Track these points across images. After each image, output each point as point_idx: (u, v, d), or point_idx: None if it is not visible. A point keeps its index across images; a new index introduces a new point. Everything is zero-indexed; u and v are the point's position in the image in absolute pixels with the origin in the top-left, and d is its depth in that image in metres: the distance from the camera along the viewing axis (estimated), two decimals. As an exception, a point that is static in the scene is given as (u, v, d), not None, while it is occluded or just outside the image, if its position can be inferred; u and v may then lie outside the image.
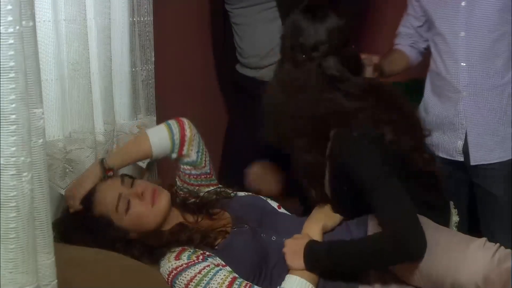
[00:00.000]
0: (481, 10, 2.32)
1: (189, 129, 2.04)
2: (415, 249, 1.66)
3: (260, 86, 2.77)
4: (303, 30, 1.87)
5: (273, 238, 1.88)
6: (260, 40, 2.74)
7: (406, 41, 2.57)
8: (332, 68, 1.85)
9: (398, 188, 1.71)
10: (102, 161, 1.92)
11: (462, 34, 2.35)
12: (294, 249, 1.78)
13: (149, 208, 1.83)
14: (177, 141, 2.02)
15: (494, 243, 1.70)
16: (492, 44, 2.34)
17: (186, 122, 2.06)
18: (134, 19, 2.16)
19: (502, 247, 1.69)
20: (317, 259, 1.75)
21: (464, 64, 2.36)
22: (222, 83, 3.04)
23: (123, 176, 1.90)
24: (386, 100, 1.91)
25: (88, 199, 1.85)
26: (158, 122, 2.26)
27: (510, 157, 2.39)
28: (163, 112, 2.35)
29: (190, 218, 1.92)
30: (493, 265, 1.63)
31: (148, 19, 2.20)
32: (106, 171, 1.90)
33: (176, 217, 1.91)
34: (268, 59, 2.74)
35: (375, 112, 1.83)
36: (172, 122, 2.05)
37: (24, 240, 1.17)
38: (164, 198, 1.87)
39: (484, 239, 1.73)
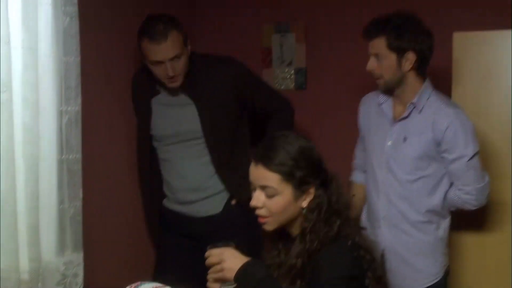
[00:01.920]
0: (400, 153, 2.51)
1: None
2: None
3: (187, 222, 2.81)
4: None
5: None
6: (188, 175, 2.79)
7: (361, 171, 2.74)
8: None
9: None
10: None
11: (385, 171, 2.55)
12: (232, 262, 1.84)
13: None
14: None
15: None
16: (409, 184, 2.51)
17: None
18: (63, 157, 2.19)
19: None
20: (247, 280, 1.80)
21: (384, 199, 2.54)
22: (149, 220, 3.02)
23: None
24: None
25: None
26: (86, 259, 2.25)
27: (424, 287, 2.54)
28: (91, 249, 2.34)
29: None
30: None
31: (77, 156, 2.24)
32: None
33: None
34: (196, 194, 2.79)
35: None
36: None
37: None
38: None
39: None
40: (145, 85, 2.82)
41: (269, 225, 1.95)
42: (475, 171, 2.48)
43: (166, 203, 2.88)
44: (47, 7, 2.07)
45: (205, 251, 1.91)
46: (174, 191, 2.83)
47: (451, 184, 2.52)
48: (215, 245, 1.90)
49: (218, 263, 1.87)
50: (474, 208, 2.53)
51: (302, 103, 3.16)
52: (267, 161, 1.90)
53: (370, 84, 2.92)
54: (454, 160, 2.46)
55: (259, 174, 1.92)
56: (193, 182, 2.77)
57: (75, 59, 2.19)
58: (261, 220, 1.95)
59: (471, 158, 2.45)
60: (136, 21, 2.71)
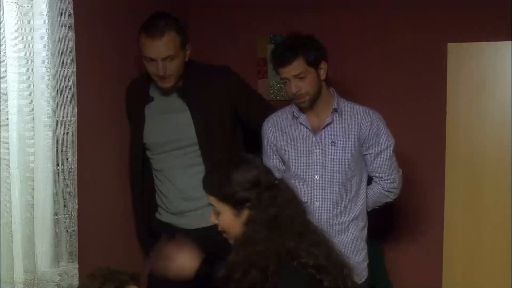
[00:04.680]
0: (333, 157, 2.67)
1: None
2: None
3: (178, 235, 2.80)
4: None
5: None
6: (181, 184, 2.78)
7: None
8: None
9: None
10: None
11: (317, 177, 2.67)
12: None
13: None
14: None
15: None
16: (341, 186, 2.67)
17: None
18: (58, 167, 2.19)
19: None
20: None
21: (318, 203, 2.67)
22: (139, 232, 3.01)
23: None
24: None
25: None
26: (81, 269, 2.24)
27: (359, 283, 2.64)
28: (86, 260, 2.33)
29: None
30: None
31: (72, 167, 2.24)
32: None
33: None
34: (189, 204, 2.78)
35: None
36: None
37: None
38: None
39: None
40: (138, 93, 2.83)
41: (229, 239, 2.13)
42: (395, 160, 2.76)
43: (159, 216, 2.88)
44: (43, 18, 2.07)
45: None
46: (168, 201, 2.82)
47: (370, 182, 2.77)
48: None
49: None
50: (394, 197, 2.81)
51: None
52: (205, 184, 2.12)
53: (363, 92, 2.93)
54: (380, 153, 2.71)
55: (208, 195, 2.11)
56: (187, 191, 2.76)
57: (71, 70, 2.19)
58: (224, 236, 2.13)
59: (392, 148, 2.72)
60: (132, 32, 2.72)
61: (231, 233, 2.10)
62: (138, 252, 3.01)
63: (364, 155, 2.73)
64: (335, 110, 2.69)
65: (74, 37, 2.19)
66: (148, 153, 2.85)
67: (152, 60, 2.64)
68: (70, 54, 2.19)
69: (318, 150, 2.69)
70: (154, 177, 2.87)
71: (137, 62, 2.92)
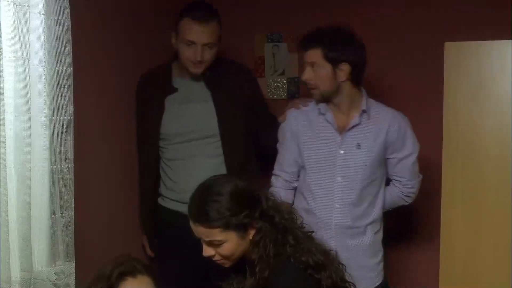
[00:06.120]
0: (357, 160, 2.60)
1: None
2: None
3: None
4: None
5: None
6: (200, 175, 2.76)
7: (285, 188, 2.73)
8: None
9: None
10: None
11: (339, 179, 2.61)
12: None
13: None
14: None
15: None
16: (362, 189, 2.61)
17: None
18: (55, 166, 2.19)
19: None
20: None
21: (338, 206, 2.61)
22: (145, 221, 3.01)
23: None
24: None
25: None
26: (77, 268, 2.24)
27: (377, 284, 2.67)
28: (83, 259, 2.33)
29: None
30: None
31: (69, 166, 2.23)
32: None
33: None
34: None
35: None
36: None
37: None
38: None
39: None
40: (158, 84, 2.85)
41: (226, 264, 2.07)
42: (418, 166, 2.71)
43: (164, 202, 2.87)
44: (40, 17, 2.07)
45: None
46: (181, 190, 2.79)
47: (388, 184, 2.72)
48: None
49: None
50: (410, 202, 2.78)
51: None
52: (203, 221, 2.00)
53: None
54: (404, 158, 2.66)
55: (201, 232, 2.02)
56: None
57: (67, 69, 2.19)
58: (217, 262, 2.06)
59: (417, 154, 2.68)
60: (129, 31, 2.72)
61: (232, 258, 2.05)
62: (135, 250, 3.01)
63: (387, 158, 2.67)
64: (364, 111, 2.62)
65: (70, 36, 2.19)
66: (160, 143, 2.85)
67: (192, 43, 2.68)
68: (67, 53, 2.19)
69: (342, 152, 2.61)
70: (164, 167, 2.86)
71: (135, 60, 2.93)
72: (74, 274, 2.25)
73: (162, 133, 2.83)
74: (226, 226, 1.99)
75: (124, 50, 2.87)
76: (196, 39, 2.68)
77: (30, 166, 2.09)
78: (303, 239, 2.04)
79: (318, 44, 2.54)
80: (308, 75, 2.58)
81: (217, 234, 2.00)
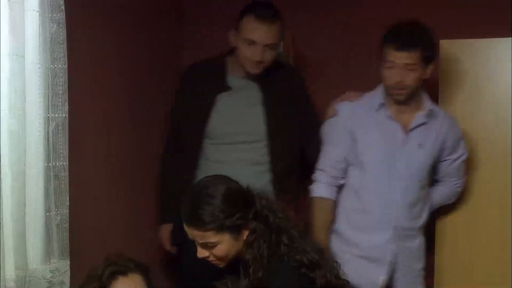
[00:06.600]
0: (418, 160, 2.55)
1: None
2: None
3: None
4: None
5: None
6: (242, 180, 2.71)
7: (329, 185, 2.64)
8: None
9: None
10: None
11: (399, 179, 2.55)
12: None
13: None
14: None
15: None
16: (419, 191, 2.57)
17: None
18: (49, 164, 2.19)
19: None
20: None
21: (394, 208, 2.54)
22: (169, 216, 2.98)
23: None
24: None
25: None
26: (72, 266, 2.24)
27: None
28: (78, 256, 2.33)
29: None
30: None
31: (64, 164, 2.23)
32: None
33: None
34: None
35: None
36: None
37: None
38: None
39: None
40: (212, 79, 2.76)
41: (221, 265, 2.08)
42: (466, 166, 2.70)
43: None
44: (34, 14, 2.06)
45: None
46: None
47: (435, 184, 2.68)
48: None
49: None
50: (454, 200, 2.76)
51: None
52: (197, 223, 2.01)
53: (353, 89, 2.92)
54: (456, 160, 2.63)
55: (195, 234, 2.03)
56: None
57: (62, 66, 2.18)
58: (212, 262, 2.07)
59: (467, 155, 2.66)
60: (124, 28, 2.71)
61: (226, 259, 2.06)
62: (131, 249, 3.00)
63: (441, 161, 2.63)
64: (431, 111, 2.56)
65: (65, 33, 2.18)
66: (207, 141, 2.78)
67: (253, 43, 2.60)
68: (62, 51, 2.18)
69: (405, 150, 2.54)
70: (204, 166, 2.76)
71: (130, 58, 2.92)
72: (69, 271, 2.24)
73: (206, 130, 2.75)
74: (220, 228, 1.99)
75: (120, 48, 2.87)
76: (258, 39, 2.59)
77: (24, 164, 2.08)
78: (298, 238, 2.04)
79: (418, 45, 2.42)
80: (402, 76, 2.44)
81: (211, 236, 2.01)
